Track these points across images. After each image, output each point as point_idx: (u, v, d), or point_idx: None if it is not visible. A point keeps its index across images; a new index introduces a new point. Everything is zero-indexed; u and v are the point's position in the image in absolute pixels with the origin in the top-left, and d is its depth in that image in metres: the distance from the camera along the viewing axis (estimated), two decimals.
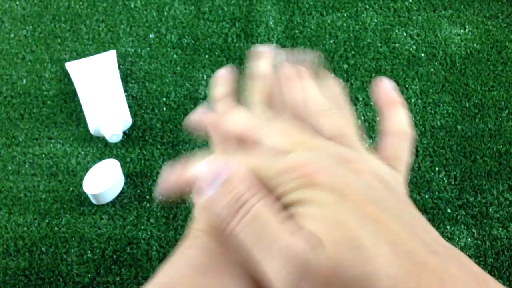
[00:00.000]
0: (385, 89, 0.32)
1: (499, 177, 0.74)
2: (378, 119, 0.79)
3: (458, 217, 0.72)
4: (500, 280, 0.68)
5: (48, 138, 0.77)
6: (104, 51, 0.84)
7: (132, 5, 0.90)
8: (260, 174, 0.23)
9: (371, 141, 0.77)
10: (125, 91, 0.81)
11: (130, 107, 0.79)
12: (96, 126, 0.74)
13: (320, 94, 0.30)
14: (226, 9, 0.90)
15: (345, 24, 0.88)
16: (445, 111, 0.80)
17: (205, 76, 0.83)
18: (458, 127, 0.78)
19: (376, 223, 0.20)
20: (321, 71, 0.34)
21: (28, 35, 0.87)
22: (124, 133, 0.77)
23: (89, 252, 0.68)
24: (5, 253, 0.67)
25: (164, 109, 0.79)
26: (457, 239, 0.70)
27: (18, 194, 0.72)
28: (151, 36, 0.87)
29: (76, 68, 0.80)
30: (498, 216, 0.72)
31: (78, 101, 0.79)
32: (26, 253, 0.67)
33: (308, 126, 0.27)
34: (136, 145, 0.76)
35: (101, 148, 0.76)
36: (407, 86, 0.82)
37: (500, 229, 0.71)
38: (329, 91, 0.31)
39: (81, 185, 0.71)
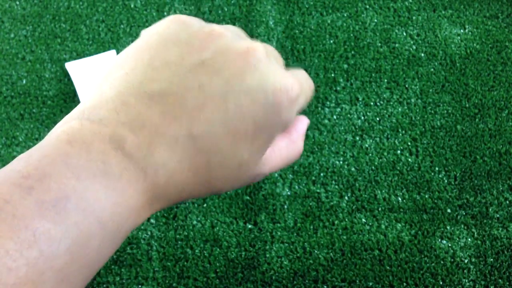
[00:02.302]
0: None
1: (499, 177, 0.74)
2: (378, 119, 0.79)
3: (458, 217, 0.72)
4: (500, 280, 0.68)
5: None
6: (104, 51, 0.84)
7: (132, 5, 0.90)
8: None
9: (371, 141, 0.77)
10: None
11: None
12: None
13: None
14: (226, 9, 0.90)
15: (345, 24, 0.88)
16: (445, 111, 0.80)
17: None
18: (458, 127, 0.78)
19: None
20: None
21: (28, 35, 0.87)
22: None
23: None
24: None
25: None
26: (457, 239, 0.70)
27: None
28: None
29: (76, 68, 0.80)
30: (498, 216, 0.72)
31: (78, 101, 0.79)
32: None
33: None
34: None
35: None
36: (407, 86, 0.82)
37: (500, 229, 0.71)
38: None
39: None
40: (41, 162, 0.20)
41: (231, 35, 0.26)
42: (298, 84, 0.25)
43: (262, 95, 0.24)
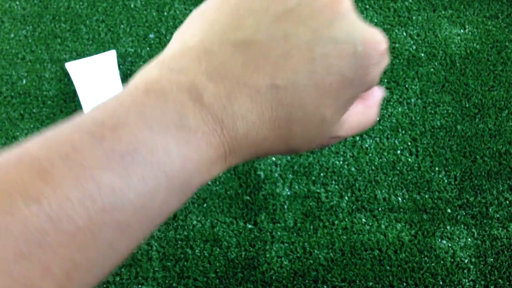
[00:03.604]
0: None
1: (499, 177, 0.74)
2: (378, 119, 0.79)
3: (458, 217, 0.72)
4: (500, 280, 0.68)
5: None
6: (104, 51, 0.84)
7: (132, 5, 0.90)
8: None
9: (371, 141, 0.77)
10: None
11: None
12: None
13: None
14: None
15: None
16: (445, 111, 0.80)
17: None
18: (458, 127, 0.78)
19: None
20: None
21: (28, 35, 0.87)
22: None
23: None
24: None
25: None
26: (457, 239, 0.70)
27: None
28: (151, 36, 0.87)
29: (76, 68, 0.80)
30: (498, 216, 0.72)
31: (78, 101, 0.79)
32: None
33: None
34: None
35: None
36: (407, 86, 0.82)
37: (500, 229, 0.71)
38: None
39: None
40: (116, 111, 0.20)
41: None
42: (385, 38, 0.24)
43: (351, 45, 0.22)
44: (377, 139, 0.78)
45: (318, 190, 0.74)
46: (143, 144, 0.19)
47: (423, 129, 0.78)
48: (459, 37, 0.87)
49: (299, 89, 0.22)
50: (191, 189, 0.21)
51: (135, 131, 0.19)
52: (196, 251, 0.70)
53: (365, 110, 0.26)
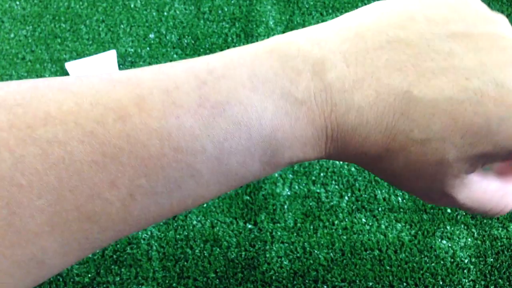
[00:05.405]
0: None
1: None
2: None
3: (458, 217, 0.72)
4: (500, 280, 0.68)
5: None
6: (104, 51, 0.84)
7: (132, 5, 0.90)
8: None
9: None
10: None
11: None
12: None
13: None
14: (226, 9, 0.90)
15: None
16: None
17: None
18: None
19: None
20: None
21: (28, 35, 0.87)
22: None
23: None
24: None
25: None
26: (457, 239, 0.70)
27: None
28: (151, 36, 0.87)
29: (76, 68, 0.80)
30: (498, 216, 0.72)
31: None
32: None
33: None
34: None
35: None
36: None
37: (500, 229, 0.71)
38: None
39: None
40: (231, 61, 0.19)
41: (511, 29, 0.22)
42: None
43: (508, 94, 0.19)
44: None
45: (318, 190, 0.74)
46: (239, 101, 0.19)
47: None
48: None
49: (434, 110, 0.19)
50: (278, 161, 0.20)
51: (237, 86, 0.19)
52: (196, 251, 0.70)
53: (498, 192, 0.22)
